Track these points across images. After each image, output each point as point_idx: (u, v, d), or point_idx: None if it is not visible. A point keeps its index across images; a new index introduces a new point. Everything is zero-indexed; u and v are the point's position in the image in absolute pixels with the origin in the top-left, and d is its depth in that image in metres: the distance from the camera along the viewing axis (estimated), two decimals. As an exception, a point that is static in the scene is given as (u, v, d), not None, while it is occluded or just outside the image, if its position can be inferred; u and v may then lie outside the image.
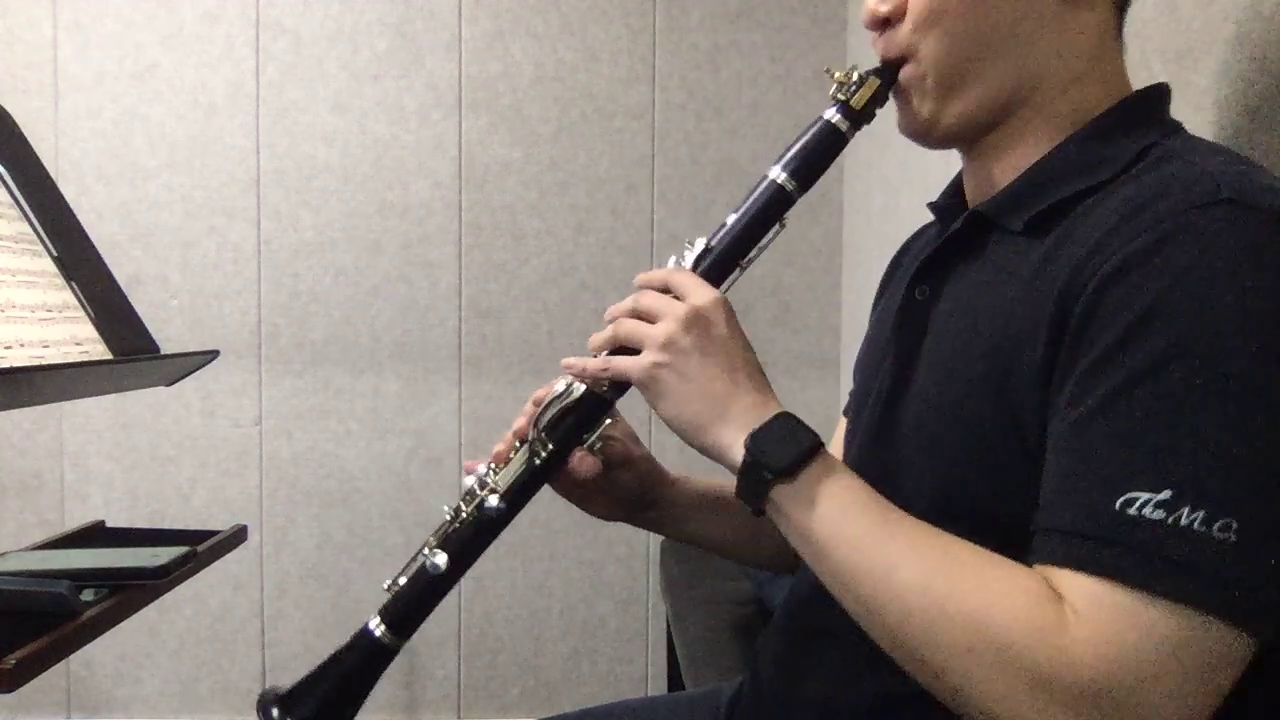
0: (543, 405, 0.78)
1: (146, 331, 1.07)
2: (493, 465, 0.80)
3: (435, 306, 2.13)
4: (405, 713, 2.16)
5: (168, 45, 2.08)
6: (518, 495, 0.78)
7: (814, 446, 0.65)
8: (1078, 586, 0.55)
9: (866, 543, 0.62)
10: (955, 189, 0.81)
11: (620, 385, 0.76)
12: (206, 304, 2.10)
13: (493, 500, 0.77)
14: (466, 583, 2.12)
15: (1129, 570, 0.53)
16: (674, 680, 1.97)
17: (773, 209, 0.76)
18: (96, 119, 2.07)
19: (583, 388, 0.77)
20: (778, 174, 0.75)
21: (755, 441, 0.66)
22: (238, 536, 1.09)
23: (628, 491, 0.88)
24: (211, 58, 2.08)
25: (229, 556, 1.08)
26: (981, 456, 0.64)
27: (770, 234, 0.77)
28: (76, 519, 1.94)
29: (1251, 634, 0.53)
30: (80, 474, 2.11)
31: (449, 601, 2.14)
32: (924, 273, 0.76)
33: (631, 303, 0.74)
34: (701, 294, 0.71)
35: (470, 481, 0.80)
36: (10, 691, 0.71)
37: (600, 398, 0.77)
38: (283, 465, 2.13)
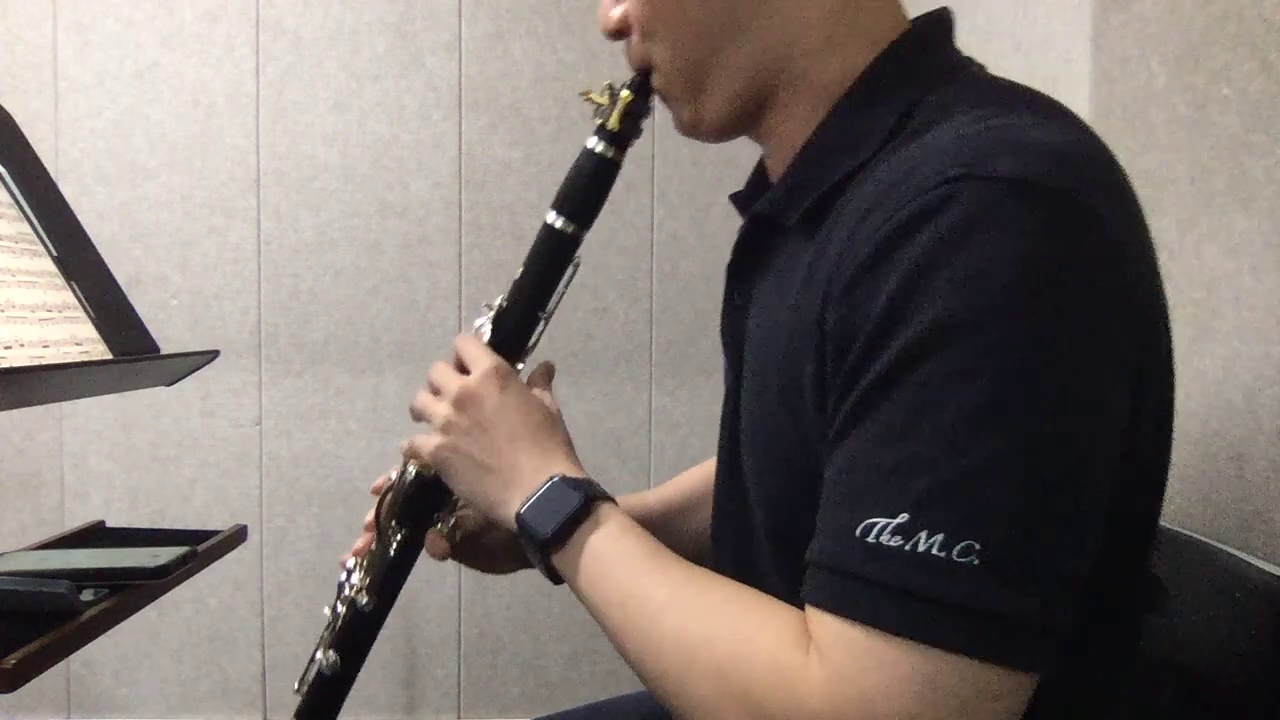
0: (382, 495, 0.79)
1: (146, 331, 1.07)
2: (359, 560, 0.80)
3: (435, 306, 2.13)
4: (405, 713, 2.16)
5: (168, 45, 2.08)
6: (384, 588, 0.78)
7: (578, 510, 0.63)
8: (822, 625, 0.49)
9: (630, 601, 0.60)
10: (759, 174, 0.76)
11: None
12: (206, 304, 2.10)
13: (363, 599, 0.78)
14: (467, 582, 2.12)
15: (863, 606, 0.47)
16: (674, 680, 1.97)
17: (557, 254, 0.74)
18: (96, 119, 2.07)
19: (415, 471, 0.78)
20: (552, 218, 0.73)
21: (524, 513, 0.66)
22: (238, 536, 1.09)
23: (506, 548, 0.87)
24: (211, 58, 2.08)
25: (229, 556, 1.08)
26: (795, 483, 0.59)
27: (566, 277, 0.75)
28: (76, 519, 1.94)
29: (1014, 668, 0.46)
30: (80, 474, 2.11)
31: (449, 602, 2.14)
32: (734, 276, 0.72)
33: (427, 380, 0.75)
34: (478, 365, 0.72)
35: (342, 578, 0.81)
36: (10, 691, 0.71)
37: (434, 479, 0.77)
38: (283, 465, 2.13)
